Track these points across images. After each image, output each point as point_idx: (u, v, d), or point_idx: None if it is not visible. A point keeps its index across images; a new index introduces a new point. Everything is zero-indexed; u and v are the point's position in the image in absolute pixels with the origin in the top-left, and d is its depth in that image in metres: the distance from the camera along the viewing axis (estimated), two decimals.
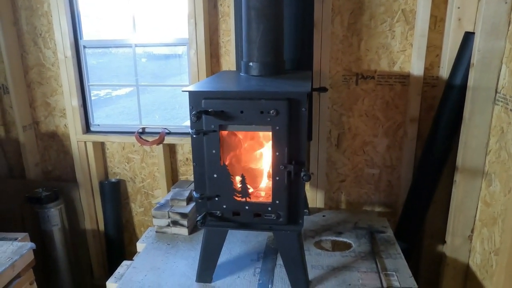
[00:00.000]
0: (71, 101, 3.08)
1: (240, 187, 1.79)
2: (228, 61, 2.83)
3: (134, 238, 3.45)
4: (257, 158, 1.93)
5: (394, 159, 2.85)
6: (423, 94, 2.65)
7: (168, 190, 3.11)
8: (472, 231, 2.39)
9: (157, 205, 2.53)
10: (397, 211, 2.88)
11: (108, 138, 3.16)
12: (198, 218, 1.78)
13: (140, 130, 3.06)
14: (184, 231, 2.43)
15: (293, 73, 2.24)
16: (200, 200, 1.82)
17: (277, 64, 2.13)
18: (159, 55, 3.49)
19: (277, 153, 1.72)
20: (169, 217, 2.43)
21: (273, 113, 1.65)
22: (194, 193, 1.85)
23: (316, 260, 2.17)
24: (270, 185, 1.81)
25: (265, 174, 1.99)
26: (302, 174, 1.64)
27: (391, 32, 2.64)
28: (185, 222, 2.42)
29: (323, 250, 2.29)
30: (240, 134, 1.89)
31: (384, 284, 1.97)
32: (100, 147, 3.25)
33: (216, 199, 1.82)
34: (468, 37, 2.28)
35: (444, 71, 2.54)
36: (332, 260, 2.17)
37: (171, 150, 3.12)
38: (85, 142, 3.15)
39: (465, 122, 2.24)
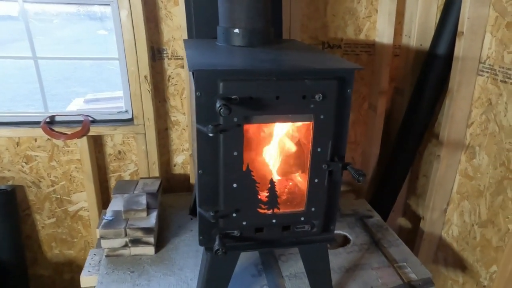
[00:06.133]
0: None
1: (267, 196, 1.35)
2: (172, 27, 2.21)
3: (41, 258, 2.65)
4: (281, 155, 1.48)
5: (358, 135, 2.66)
6: None
7: (97, 193, 2.42)
8: (447, 204, 2.36)
9: (104, 220, 1.89)
10: (361, 188, 2.73)
11: None
12: (216, 247, 1.28)
13: (48, 120, 2.26)
14: (150, 250, 1.86)
15: (283, 42, 1.81)
16: (213, 220, 1.32)
17: (268, 31, 1.68)
18: None
19: (319, 149, 1.31)
20: (126, 235, 1.83)
21: (319, 97, 1.23)
22: (200, 210, 1.34)
23: None
24: (299, 189, 1.41)
25: (271, 173, 1.56)
26: (357, 174, 1.28)
27: None
28: (151, 239, 1.84)
29: None
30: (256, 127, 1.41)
31: (403, 279, 1.78)
32: None
33: (234, 215, 1.34)
34: (451, 3, 2.13)
35: (412, 40, 2.40)
36: (340, 260, 1.89)
37: (96, 143, 2.40)
38: None
39: (452, 94, 2.12)
